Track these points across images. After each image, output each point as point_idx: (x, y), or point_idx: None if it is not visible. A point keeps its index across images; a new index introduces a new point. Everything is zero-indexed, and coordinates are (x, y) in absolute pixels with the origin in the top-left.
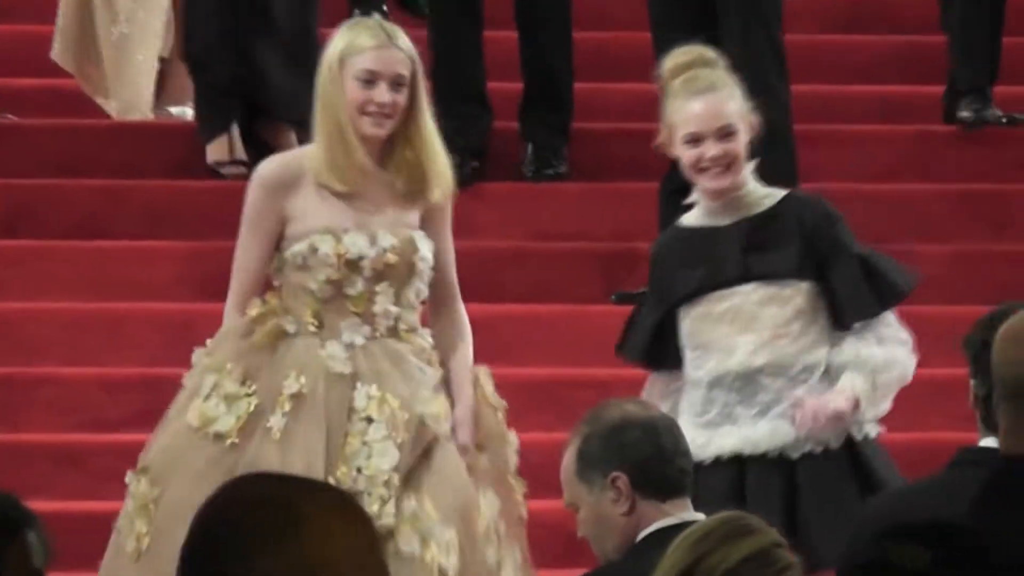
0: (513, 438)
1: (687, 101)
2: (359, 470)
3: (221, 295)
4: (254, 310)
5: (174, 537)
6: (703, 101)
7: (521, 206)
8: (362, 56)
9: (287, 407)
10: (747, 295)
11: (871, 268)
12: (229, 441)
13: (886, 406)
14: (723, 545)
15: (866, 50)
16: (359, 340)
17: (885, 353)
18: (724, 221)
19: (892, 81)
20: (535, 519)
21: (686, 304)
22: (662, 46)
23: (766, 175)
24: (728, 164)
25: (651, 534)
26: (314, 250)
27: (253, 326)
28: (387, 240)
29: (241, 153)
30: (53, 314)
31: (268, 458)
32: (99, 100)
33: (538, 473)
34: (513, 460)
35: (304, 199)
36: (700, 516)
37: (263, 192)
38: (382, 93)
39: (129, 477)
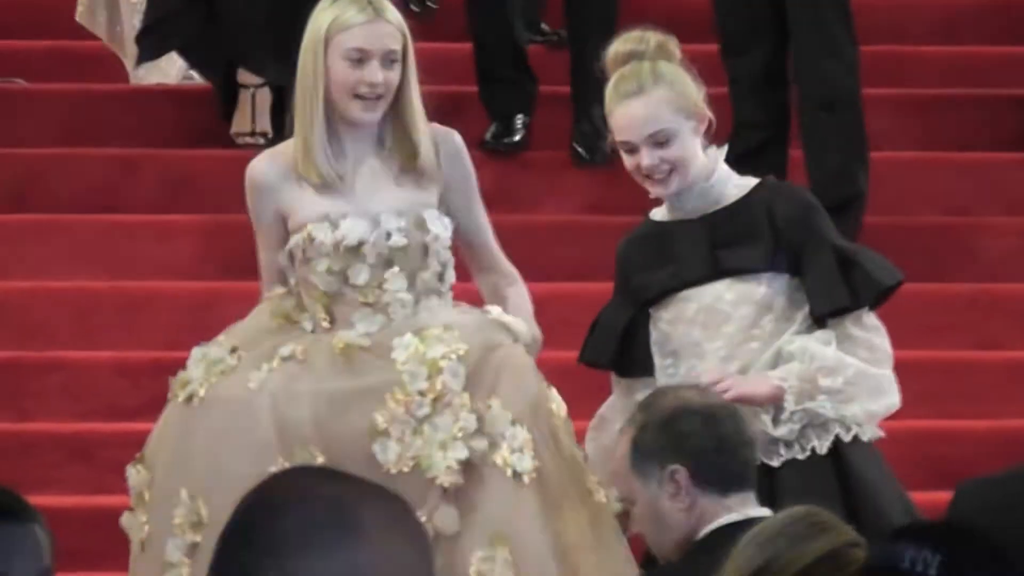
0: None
1: (617, 105)
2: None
3: (245, 273)
4: (271, 297)
5: (167, 520)
6: (630, 108)
7: (571, 178)
8: (349, 33)
9: (274, 364)
10: (719, 295)
11: (848, 259)
12: (197, 399)
13: (856, 410)
14: (796, 544)
15: (942, 8)
16: (374, 329)
17: (837, 356)
18: (692, 215)
19: (970, 41)
20: None
21: (655, 306)
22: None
23: (832, 142)
24: (669, 170)
25: (713, 532)
26: (311, 240)
27: (266, 309)
28: (392, 222)
29: (264, 125)
30: (63, 294)
31: (228, 408)
32: (122, 57)
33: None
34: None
35: (299, 189)
36: (766, 512)
37: (253, 193)
38: (374, 72)
39: (128, 470)
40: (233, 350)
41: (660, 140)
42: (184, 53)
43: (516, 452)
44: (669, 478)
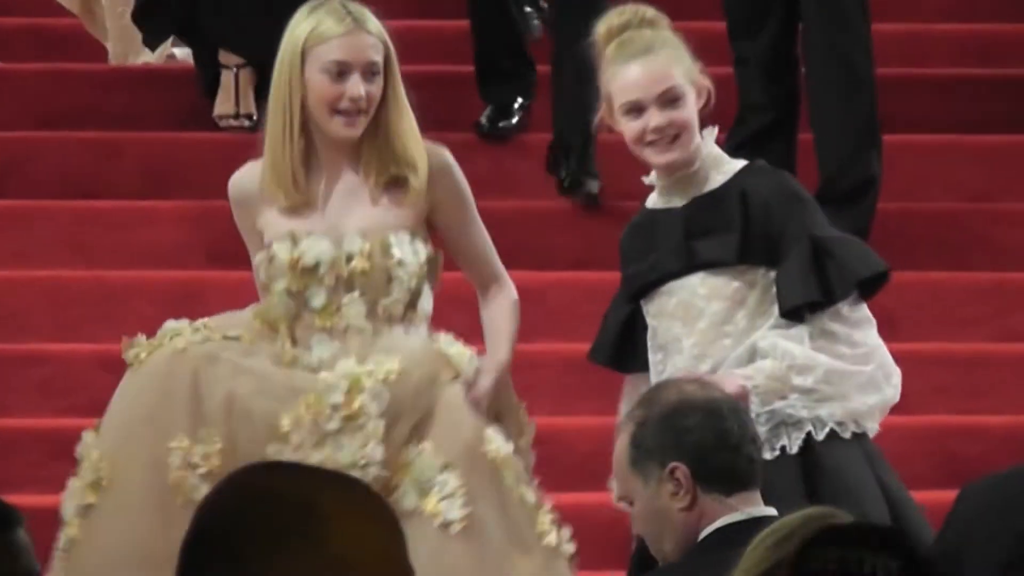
0: (530, 432)
1: (623, 66)
2: (334, 407)
3: (231, 261)
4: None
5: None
6: (641, 65)
7: None
8: (328, 45)
9: (215, 336)
10: (693, 288)
11: (824, 250)
12: (137, 362)
13: (834, 409)
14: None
15: None
16: (328, 355)
17: (808, 354)
18: (678, 202)
19: (988, 19)
20: (586, 515)
21: (643, 297)
22: None
23: (844, 124)
24: (675, 135)
25: (715, 532)
26: (272, 258)
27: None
28: (354, 243)
29: (248, 106)
30: (41, 283)
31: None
32: (106, 43)
33: (589, 463)
34: (528, 458)
35: (271, 206)
36: (771, 511)
37: (233, 205)
38: (355, 85)
39: (84, 435)
40: (197, 329)
41: (670, 98)
42: (181, 33)
43: (446, 499)
44: (669, 476)
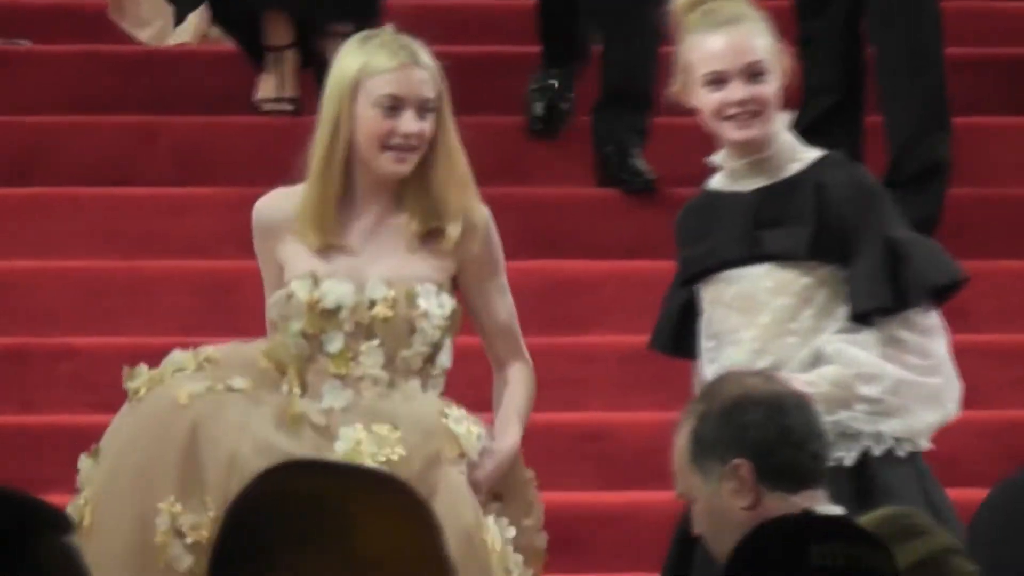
0: (539, 511)
1: (707, 35)
2: None
3: None
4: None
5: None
6: (726, 35)
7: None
8: (382, 79)
9: (218, 387)
10: (756, 280)
11: (899, 253)
12: (136, 399)
13: (895, 426)
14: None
15: None
16: (339, 404)
17: (876, 362)
18: (746, 187)
19: None
20: (641, 515)
21: (699, 284)
22: None
23: (911, 106)
24: (756, 111)
25: None
26: (290, 297)
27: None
28: (379, 290)
29: (292, 89)
30: (72, 274)
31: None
32: (131, 29)
33: (647, 461)
34: (536, 539)
35: (298, 241)
36: (837, 510)
37: (256, 232)
38: (408, 122)
39: (81, 460)
40: (202, 364)
41: (755, 72)
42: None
43: None
44: (731, 473)
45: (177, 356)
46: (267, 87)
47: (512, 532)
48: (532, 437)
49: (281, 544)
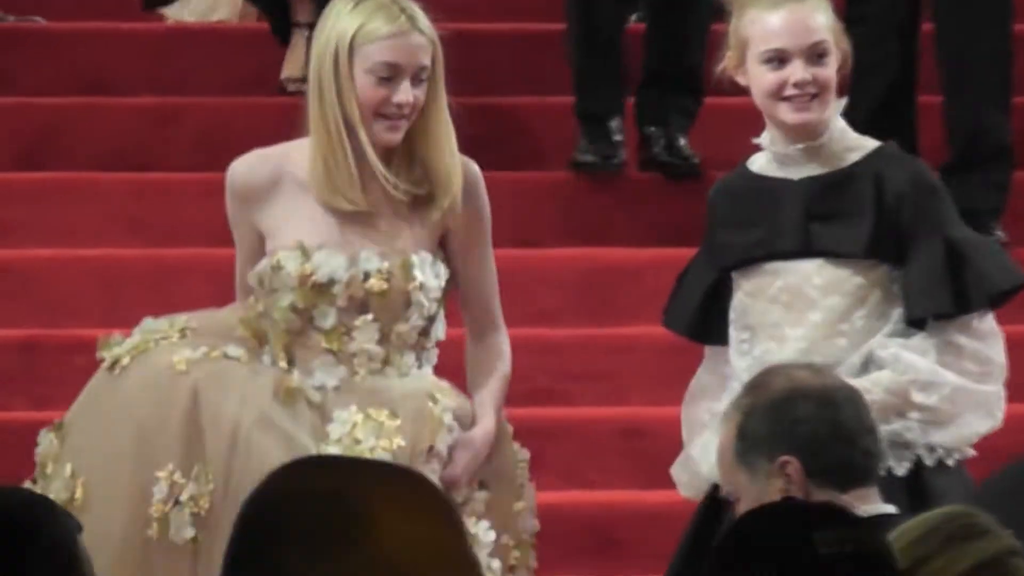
0: (531, 493)
1: (769, 10)
2: None
3: None
4: (250, 307)
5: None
6: (789, 11)
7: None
8: (379, 45)
9: (213, 354)
10: (808, 275)
11: (959, 254)
12: (119, 368)
13: (946, 437)
14: (949, 548)
15: None
16: (332, 383)
17: (933, 369)
18: (795, 174)
19: None
20: (680, 514)
21: (738, 270)
22: None
23: (972, 88)
24: (815, 93)
25: None
26: (278, 269)
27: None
28: (372, 262)
29: None
30: (90, 262)
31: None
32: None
33: None
34: (528, 523)
35: (281, 208)
36: (889, 508)
37: (230, 198)
38: (404, 91)
39: (41, 435)
40: (183, 331)
41: (818, 52)
42: None
43: None
44: (779, 470)
45: (153, 324)
46: (292, 66)
47: (492, 536)
48: (569, 433)
49: (296, 554)
